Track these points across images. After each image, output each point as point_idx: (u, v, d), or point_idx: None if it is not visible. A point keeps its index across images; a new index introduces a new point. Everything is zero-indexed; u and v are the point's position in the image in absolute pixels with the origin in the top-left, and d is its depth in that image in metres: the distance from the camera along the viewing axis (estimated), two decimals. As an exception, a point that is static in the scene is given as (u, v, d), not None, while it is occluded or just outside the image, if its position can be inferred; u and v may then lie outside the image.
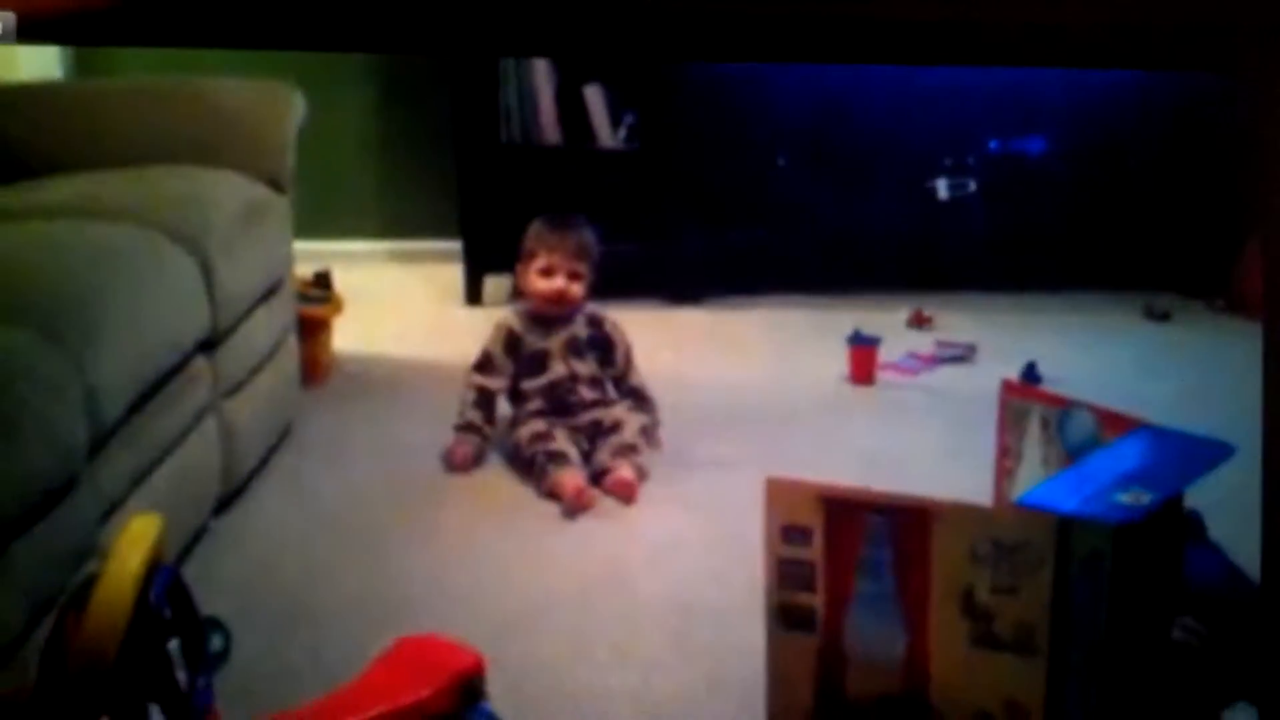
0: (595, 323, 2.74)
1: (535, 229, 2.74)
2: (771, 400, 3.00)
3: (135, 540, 1.35)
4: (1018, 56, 1.51)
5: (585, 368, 2.69)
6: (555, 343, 2.69)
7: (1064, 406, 2.06)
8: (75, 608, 1.31)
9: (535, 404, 2.65)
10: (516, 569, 2.20)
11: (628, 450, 2.56)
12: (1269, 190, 1.38)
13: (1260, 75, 1.32)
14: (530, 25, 1.44)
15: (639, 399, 2.72)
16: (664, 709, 1.79)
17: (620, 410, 2.66)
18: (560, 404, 2.65)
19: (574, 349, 2.69)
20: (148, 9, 1.43)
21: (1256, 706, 1.59)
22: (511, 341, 2.70)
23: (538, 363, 2.68)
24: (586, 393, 2.66)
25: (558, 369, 2.67)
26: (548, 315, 2.71)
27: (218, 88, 2.81)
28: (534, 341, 2.69)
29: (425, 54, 3.80)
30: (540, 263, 2.70)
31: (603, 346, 2.73)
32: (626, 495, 2.46)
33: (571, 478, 2.45)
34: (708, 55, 2.91)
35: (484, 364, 2.70)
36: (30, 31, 1.46)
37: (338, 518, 2.39)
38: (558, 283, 2.69)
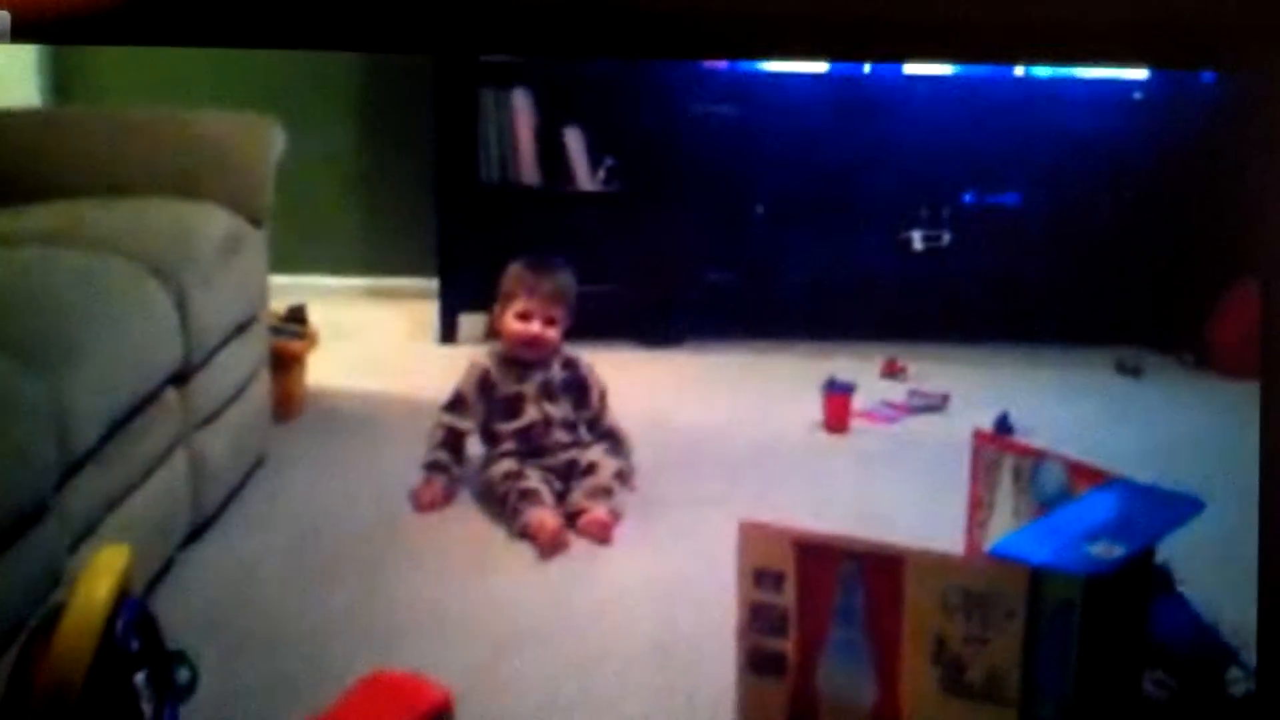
0: (570, 365, 2.74)
1: (514, 271, 2.74)
2: (746, 445, 3.00)
3: (103, 571, 1.35)
4: (1019, 55, 1.53)
5: (559, 411, 2.68)
6: (530, 387, 2.68)
7: (1036, 457, 2.07)
8: (41, 636, 1.29)
9: (508, 445, 2.64)
10: (487, 607, 2.19)
11: (602, 492, 2.55)
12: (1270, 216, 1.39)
13: (1265, 76, 1.34)
14: (506, 23, 1.44)
15: (614, 440, 2.72)
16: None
17: (595, 452, 2.66)
18: (534, 447, 2.64)
19: (548, 393, 2.69)
20: (140, 9, 1.43)
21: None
22: (485, 383, 2.69)
23: (512, 406, 2.67)
24: (561, 436, 2.66)
25: (531, 413, 2.66)
26: (523, 358, 2.71)
27: (197, 119, 2.81)
28: (508, 384, 2.68)
29: (407, 51, 3.79)
30: (518, 306, 2.70)
31: (578, 389, 2.72)
32: (601, 536, 2.45)
33: (547, 517, 2.44)
34: (691, 54, 2.93)
35: (455, 404, 2.69)
36: (26, 32, 1.46)
37: (307, 552, 2.37)
38: (534, 328, 2.69)
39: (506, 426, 2.65)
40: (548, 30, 1.45)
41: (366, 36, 1.51)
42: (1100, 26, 1.39)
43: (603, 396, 2.75)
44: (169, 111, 2.86)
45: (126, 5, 1.40)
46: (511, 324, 2.70)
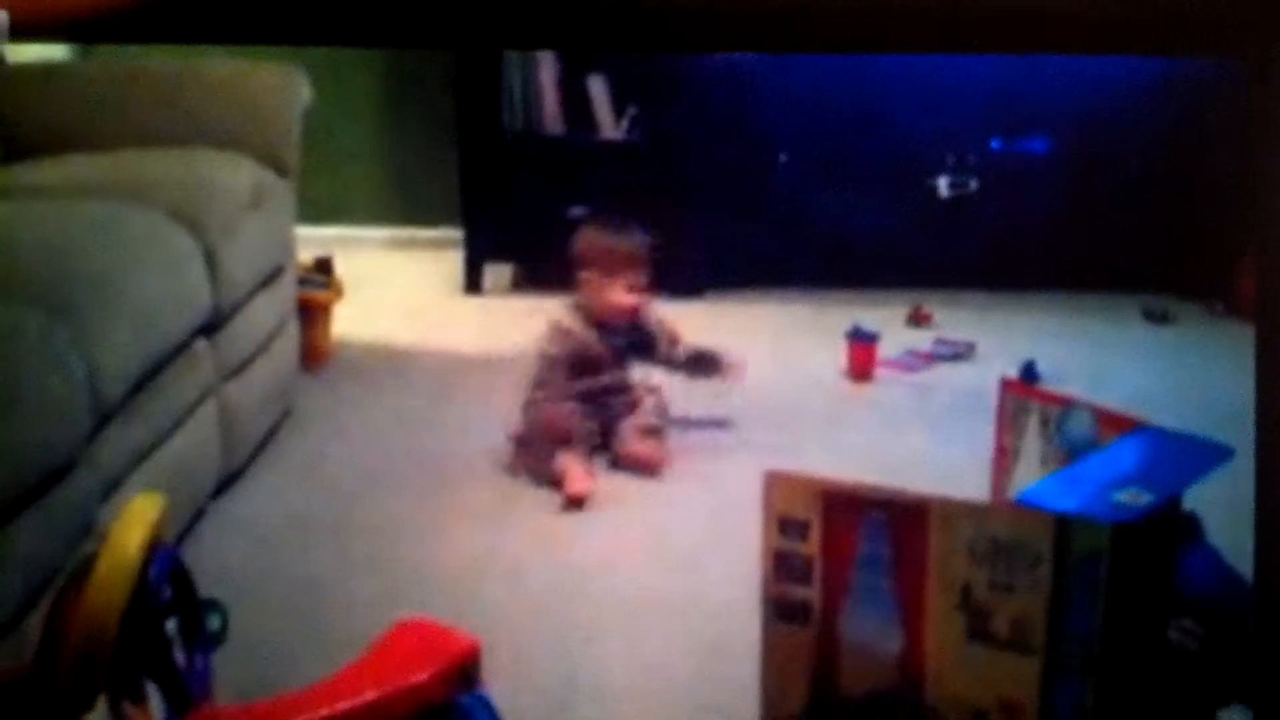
0: (642, 323, 2.76)
1: (599, 239, 2.73)
2: (770, 394, 3.00)
3: (135, 520, 1.36)
4: (1031, 43, 1.51)
5: (627, 372, 2.72)
6: (609, 349, 2.70)
7: (1063, 406, 2.06)
8: (74, 586, 1.31)
9: (568, 394, 2.65)
10: (515, 556, 2.21)
11: (649, 432, 2.59)
12: (1267, 187, 1.38)
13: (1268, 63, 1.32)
14: (533, 18, 1.44)
15: (702, 362, 2.76)
16: (660, 699, 1.79)
17: (641, 393, 2.69)
18: (600, 405, 2.65)
19: (624, 353, 2.72)
20: (155, 7, 1.43)
21: (1251, 709, 1.59)
22: (577, 352, 2.69)
23: (591, 366, 2.68)
24: (623, 395, 2.69)
25: (609, 375, 2.69)
26: (613, 323, 2.71)
27: (223, 70, 2.81)
28: (593, 347, 2.69)
29: (428, 47, 3.79)
30: (621, 277, 2.70)
31: (646, 344, 2.75)
32: (650, 465, 2.51)
33: (578, 470, 2.45)
34: (708, 46, 2.92)
35: (548, 380, 2.68)
36: (25, 31, 1.46)
37: (336, 501, 2.39)
38: (635, 298, 2.71)
39: (580, 384, 2.66)
40: (561, 25, 1.45)
41: (382, 32, 1.51)
42: (1099, 14, 1.38)
43: (670, 337, 2.77)
44: (195, 63, 2.86)
45: (135, 5, 1.39)
46: (620, 297, 2.70)
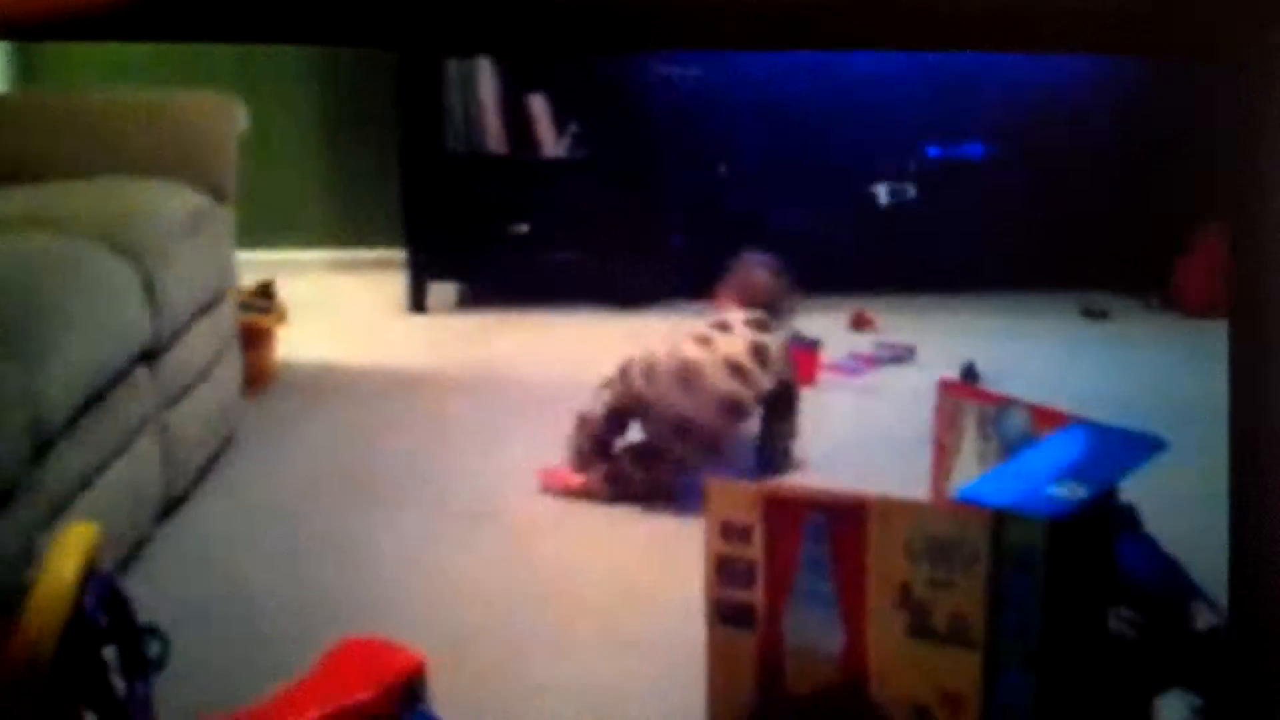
0: None
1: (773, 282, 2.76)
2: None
3: (71, 548, 1.35)
4: (1006, 42, 1.52)
5: None
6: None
7: (999, 404, 2.09)
8: (9, 615, 1.30)
9: None
10: (455, 573, 2.20)
11: None
12: (1244, 184, 1.39)
13: (1256, 65, 1.34)
14: (475, 22, 1.44)
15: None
16: (606, 706, 1.80)
17: None
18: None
19: None
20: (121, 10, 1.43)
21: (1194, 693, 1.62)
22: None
23: None
24: None
25: None
26: None
27: (160, 99, 2.81)
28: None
29: (372, 46, 3.79)
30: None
31: None
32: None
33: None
34: (653, 44, 2.92)
35: None
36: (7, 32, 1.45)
37: (279, 525, 2.38)
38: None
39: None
40: (513, 28, 1.45)
41: (330, 31, 1.51)
42: (1091, 14, 1.39)
43: None
44: (131, 93, 2.85)
45: (107, 6, 1.39)
46: None
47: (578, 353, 3.39)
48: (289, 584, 2.14)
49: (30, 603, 1.28)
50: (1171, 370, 3.20)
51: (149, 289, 2.28)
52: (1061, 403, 2.03)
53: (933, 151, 3.82)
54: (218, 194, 2.73)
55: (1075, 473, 1.68)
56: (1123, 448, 1.78)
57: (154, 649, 1.41)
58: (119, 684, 1.36)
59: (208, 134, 2.76)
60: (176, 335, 2.41)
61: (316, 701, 1.44)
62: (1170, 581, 1.85)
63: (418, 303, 3.76)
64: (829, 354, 3.18)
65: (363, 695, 1.45)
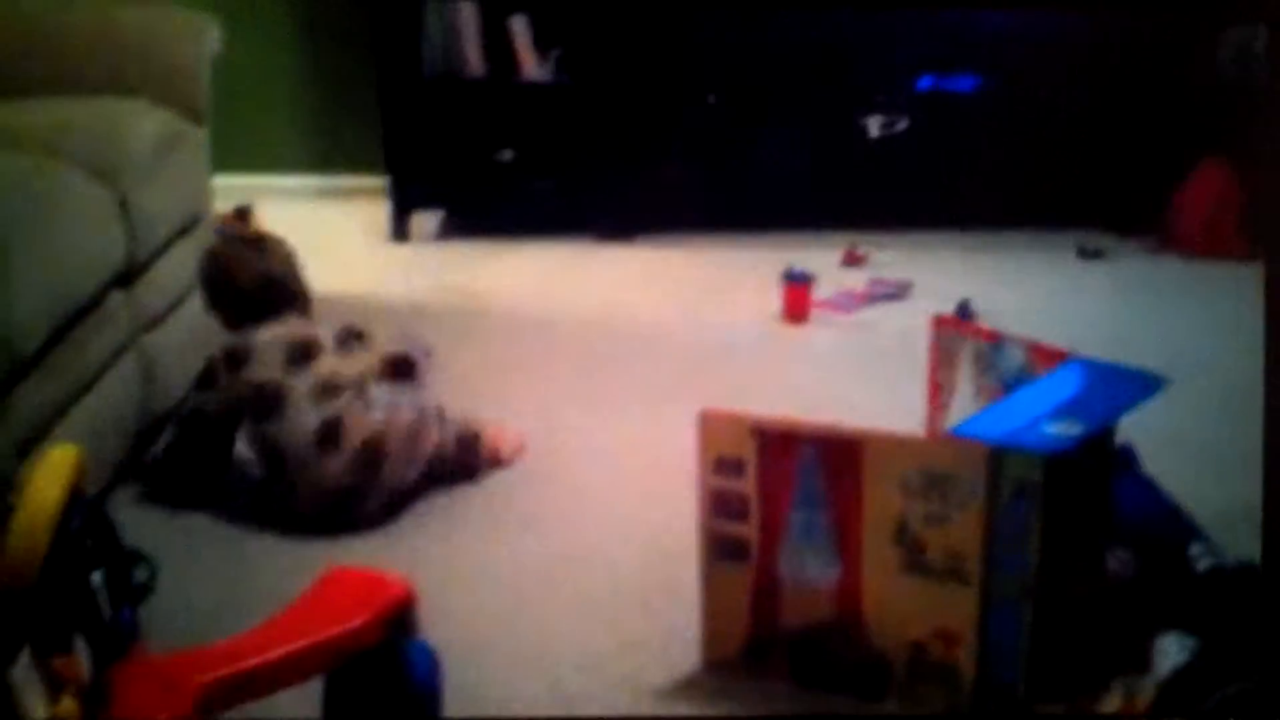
0: None
1: None
2: (705, 337, 2.99)
3: (52, 470, 1.32)
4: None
5: None
6: None
7: (995, 340, 2.07)
8: (-8, 538, 1.27)
9: None
10: (446, 504, 2.18)
11: None
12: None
13: None
14: None
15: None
16: (598, 641, 1.78)
17: None
18: None
19: None
20: None
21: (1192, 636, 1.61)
22: None
23: None
24: None
25: None
26: None
27: (129, 17, 2.74)
28: None
29: None
30: None
31: None
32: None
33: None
34: None
35: None
36: None
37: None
38: None
39: None
40: None
41: None
42: None
43: None
44: (99, 10, 2.77)
45: None
46: None
47: (558, 285, 3.37)
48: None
49: (13, 525, 1.25)
50: (1167, 310, 3.18)
51: (123, 210, 2.24)
52: (1056, 341, 2.01)
53: (924, 83, 3.77)
54: (191, 115, 2.68)
55: (1073, 410, 1.66)
56: (1121, 385, 1.76)
57: (141, 574, 1.38)
58: (106, 608, 1.33)
59: (180, 53, 2.71)
60: (153, 258, 2.37)
61: (306, 630, 1.41)
62: (1169, 522, 1.84)
63: (400, 231, 3.71)
64: (821, 290, 3.15)
65: (352, 623, 1.42)
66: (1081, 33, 3.69)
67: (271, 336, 2.14)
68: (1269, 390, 1.50)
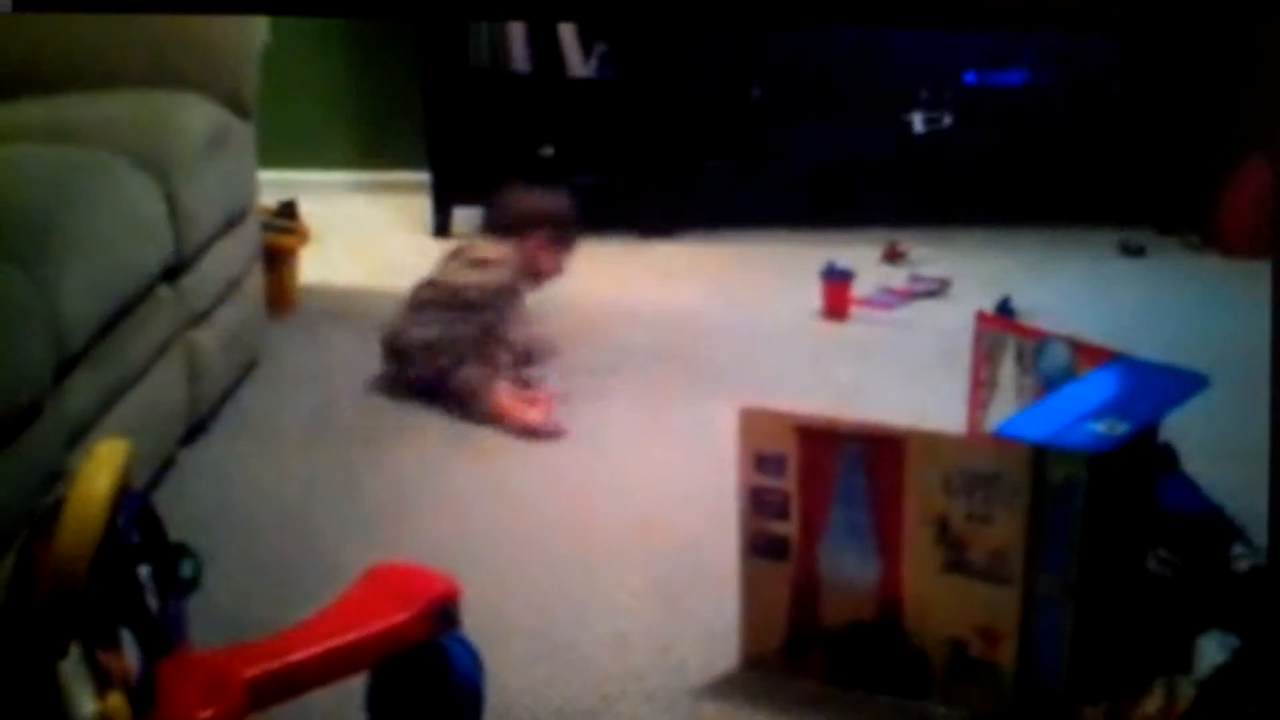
0: None
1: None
2: (745, 333, 2.99)
3: (102, 464, 1.33)
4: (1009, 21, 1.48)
5: None
6: None
7: (1039, 338, 2.06)
8: (42, 533, 1.29)
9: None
10: (486, 498, 2.19)
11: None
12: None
13: None
14: None
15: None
16: (636, 638, 1.79)
17: None
18: None
19: None
20: None
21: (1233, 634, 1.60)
22: None
23: None
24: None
25: None
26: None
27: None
28: None
29: (399, 18, 3.77)
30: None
31: None
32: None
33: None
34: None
35: None
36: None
37: (304, 449, 2.37)
38: None
39: None
40: None
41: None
42: None
43: None
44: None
45: None
46: None
47: (602, 281, 3.37)
48: (316, 508, 2.13)
49: (63, 519, 1.26)
50: (1209, 309, 3.15)
51: (172, 204, 2.25)
52: (1097, 339, 2.00)
53: (970, 78, 3.75)
54: (238, 109, 2.69)
55: (1117, 409, 1.65)
56: (1165, 385, 1.75)
57: (187, 569, 1.40)
58: (153, 603, 1.34)
59: (228, 47, 2.71)
60: (199, 252, 2.38)
61: (350, 625, 1.42)
62: (1211, 522, 1.83)
63: (442, 227, 3.72)
64: (861, 287, 3.14)
65: (397, 618, 1.44)
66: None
67: None
68: (1274, 390, 1.49)
